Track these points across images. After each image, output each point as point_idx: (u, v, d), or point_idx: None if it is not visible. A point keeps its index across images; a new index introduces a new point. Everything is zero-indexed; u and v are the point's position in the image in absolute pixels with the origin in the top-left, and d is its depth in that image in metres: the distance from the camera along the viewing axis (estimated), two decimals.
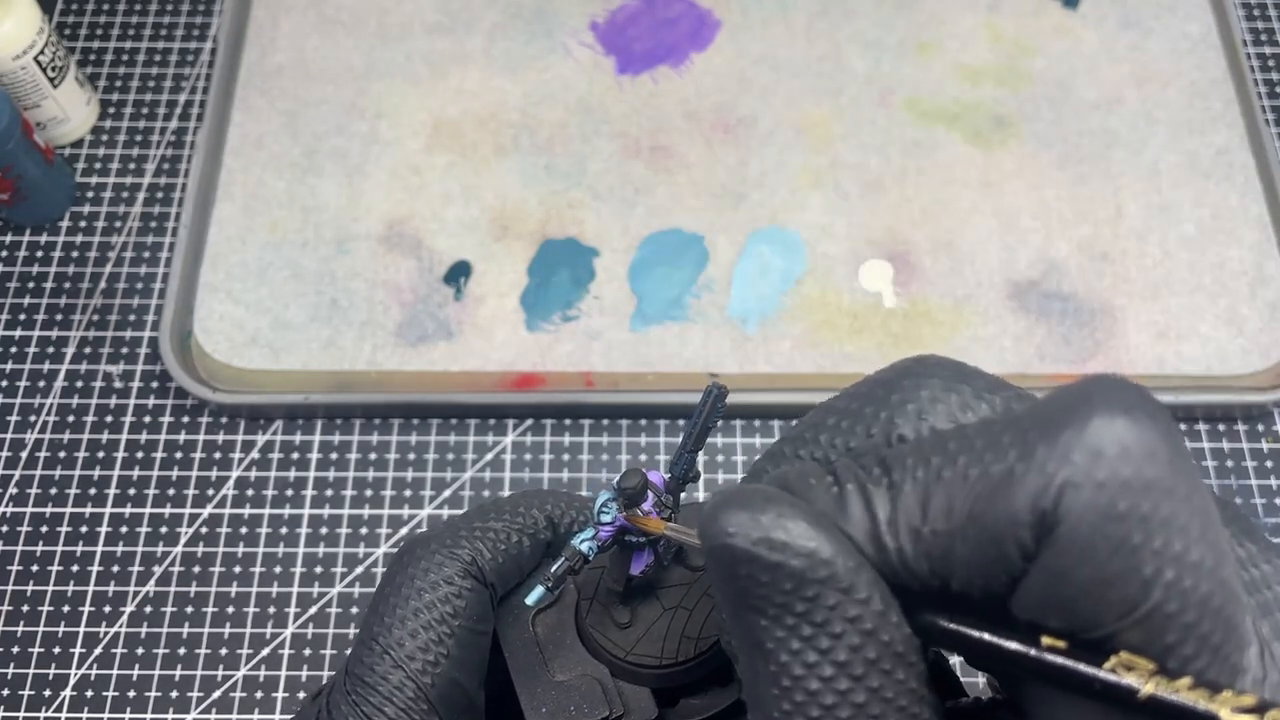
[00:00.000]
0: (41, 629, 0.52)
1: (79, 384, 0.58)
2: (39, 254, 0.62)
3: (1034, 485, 0.16)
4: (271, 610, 0.53)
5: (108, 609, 0.52)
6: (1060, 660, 0.16)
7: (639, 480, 0.25)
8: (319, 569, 0.53)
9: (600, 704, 0.28)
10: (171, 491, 0.55)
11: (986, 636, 0.17)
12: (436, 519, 0.54)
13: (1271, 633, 0.18)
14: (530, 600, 0.27)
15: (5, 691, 0.51)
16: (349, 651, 0.33)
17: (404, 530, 0.54)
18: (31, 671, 0.51)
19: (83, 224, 0.62)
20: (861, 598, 0.17)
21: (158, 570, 0.53)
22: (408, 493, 0.55)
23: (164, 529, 0.54)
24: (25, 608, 0.52)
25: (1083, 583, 0.16)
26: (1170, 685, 0.15)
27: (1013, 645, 0.17)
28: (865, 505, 0.18)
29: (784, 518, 0.17)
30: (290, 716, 0.50)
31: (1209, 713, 0.15)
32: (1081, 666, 0.16)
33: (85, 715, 0.50)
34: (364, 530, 0.54)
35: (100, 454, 0.56)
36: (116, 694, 0.51)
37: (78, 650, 0.52)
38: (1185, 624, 0.16)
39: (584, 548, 0.26)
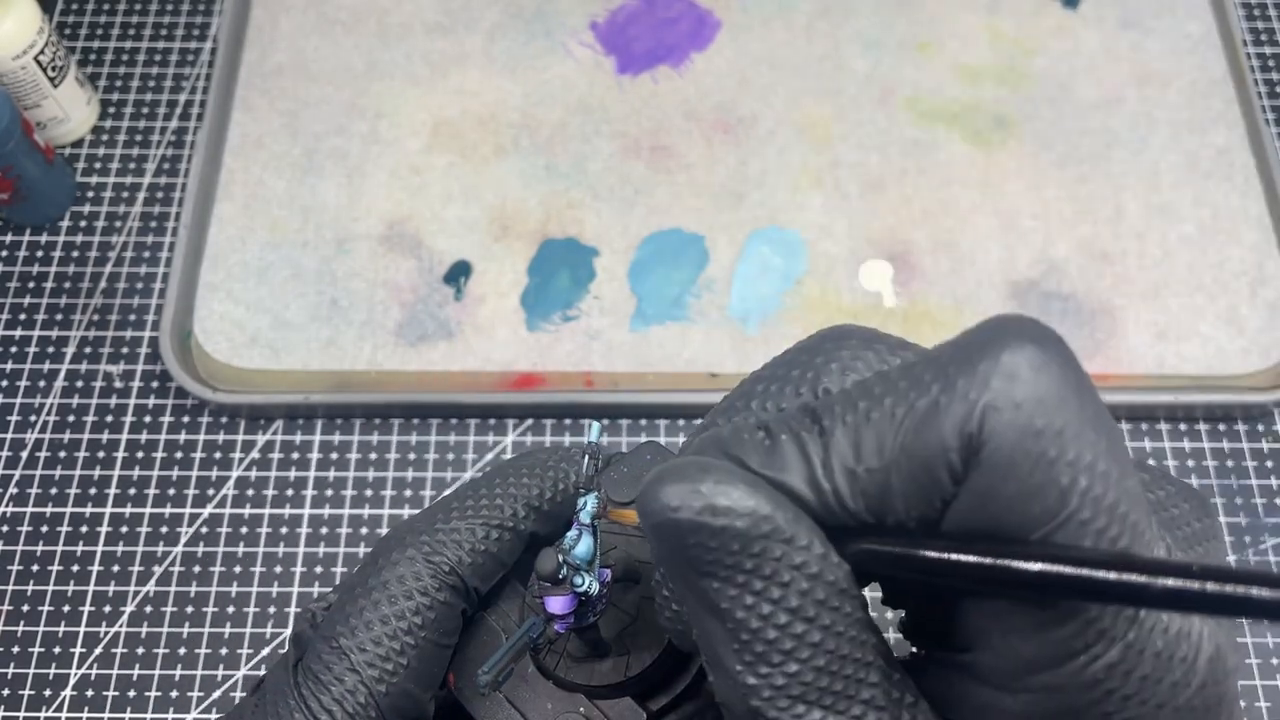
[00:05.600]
0: (41, 629, 0.52)
1: (79, 384, 0.58)
2: (39, 254, 0.62)
3: (959, 412, 0.17)
4: (271, 610, 0.53)
5: (108, 609, 0.52)
6: (992, 561, 0.17)
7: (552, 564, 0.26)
8: (319, 569, 0.53)
9: None
10: (171, 491, 0.55)
11: (920, 553, 0.18)
12: None
13: (1175, 543, 0.20)
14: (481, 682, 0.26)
15: (5, 691, 0.51)
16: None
17: None
18: (31, 671, 0.51)
19: (83, 224, 0.62)
20: (804, 544, 0.18)
21: (158, 570, 0.53)
22: (408, 493, 0.55)
23: (164, 529, 0.54)
24: (25, 608, 0.52)
25: (1008, 497, 0.17)
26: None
27: (956, 556, 0.18)
28: (800, 453, 0.19)
29: (721, 483, 0.18)
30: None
31: (1136, 581, 0.16)
32: (1017, 563, 0.17)
33: (85, 715, 0.50)
34: (364, 530, 0.54)
35: (100, 454, 0.56)
36: (116, 694, 0.51)
37: (78, 650, 0.52)
38: (1097, 530, 0.17)
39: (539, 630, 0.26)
